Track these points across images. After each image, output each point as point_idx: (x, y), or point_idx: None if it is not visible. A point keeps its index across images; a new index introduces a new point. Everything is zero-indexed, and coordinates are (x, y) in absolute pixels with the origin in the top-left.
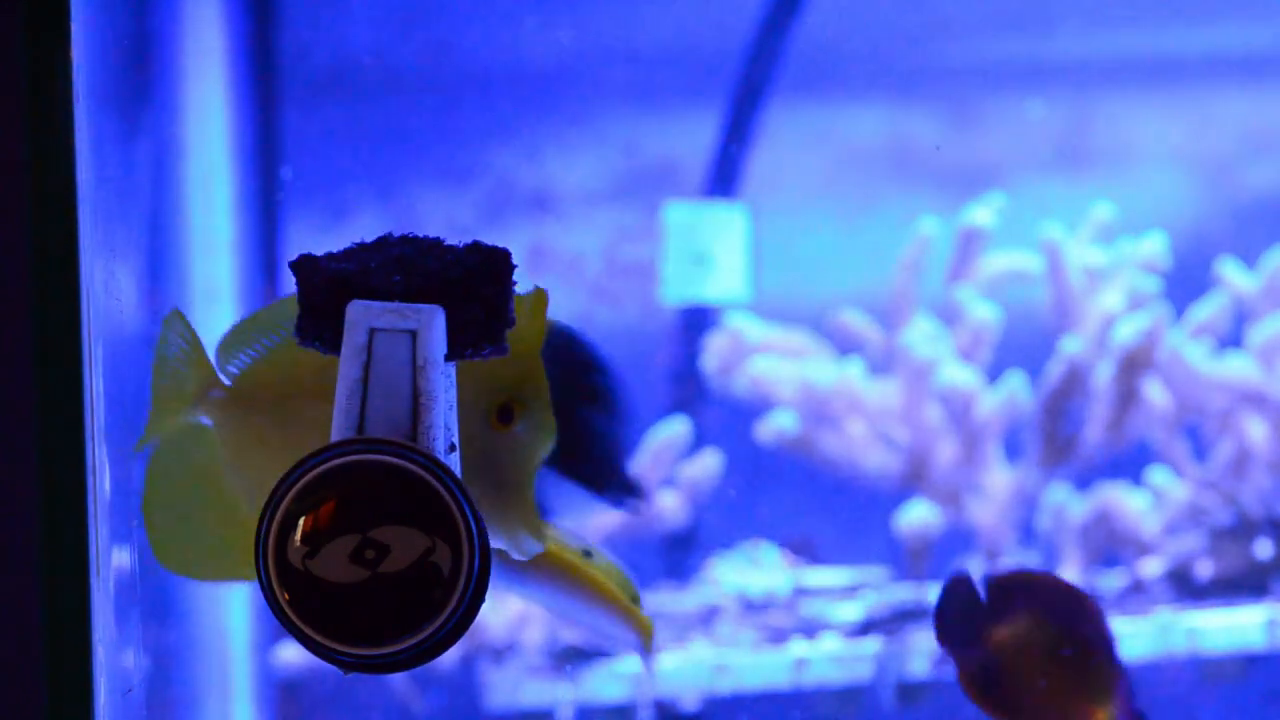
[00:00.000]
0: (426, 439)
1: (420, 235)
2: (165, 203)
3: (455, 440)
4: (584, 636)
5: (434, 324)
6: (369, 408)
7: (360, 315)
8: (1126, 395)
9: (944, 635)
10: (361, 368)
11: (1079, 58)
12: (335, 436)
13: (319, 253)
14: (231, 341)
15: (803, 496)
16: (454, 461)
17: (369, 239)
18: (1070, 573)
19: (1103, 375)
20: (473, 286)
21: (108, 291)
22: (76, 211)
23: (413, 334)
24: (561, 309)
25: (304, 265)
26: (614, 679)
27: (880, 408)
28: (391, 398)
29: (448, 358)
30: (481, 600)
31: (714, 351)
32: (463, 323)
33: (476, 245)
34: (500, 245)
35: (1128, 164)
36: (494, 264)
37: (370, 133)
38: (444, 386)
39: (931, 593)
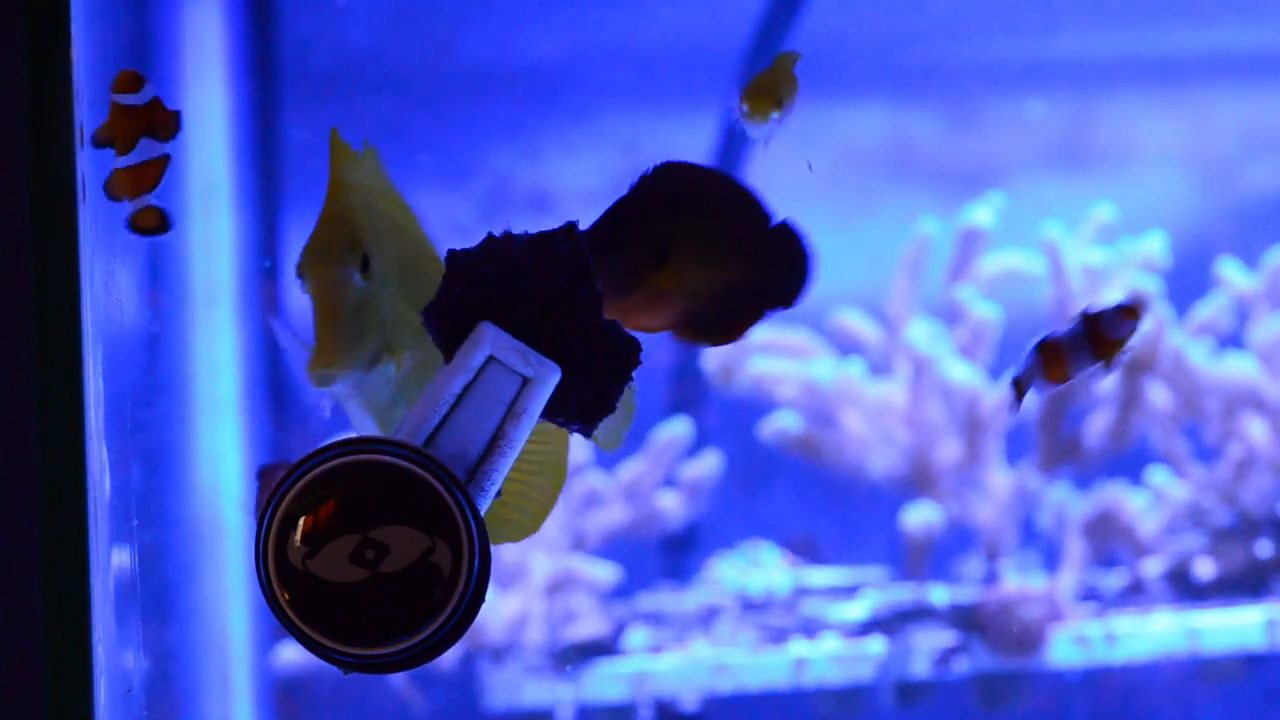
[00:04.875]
0: (486, 480)
1: (582, 261)
2: (165, 203)
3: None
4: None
5: (548, 381)
6: (448, 425)
7: (488, 339)
8: (1127, 395)
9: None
10: (463, 386)
11: (1079, 58)
12: (402, 436)
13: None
14: None
15: (803, 496)
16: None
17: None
18: (1071, 572)
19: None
20: (596, 369)
21: (108, 291)
22: (76, 212)
23: (525, 380)
24: None
25: (456, 262)
26: (614, 679)
27: (881, 407)
28: (474, 426)
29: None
30: (481, 600)
31: (714, 352)
32: (569, 392)
33: (615, 325)
34: (635, 336)
35: (1128, 164)
36: (624, 355)
37: (370, 133)
38: (525, 439)
39: (933, 592)
